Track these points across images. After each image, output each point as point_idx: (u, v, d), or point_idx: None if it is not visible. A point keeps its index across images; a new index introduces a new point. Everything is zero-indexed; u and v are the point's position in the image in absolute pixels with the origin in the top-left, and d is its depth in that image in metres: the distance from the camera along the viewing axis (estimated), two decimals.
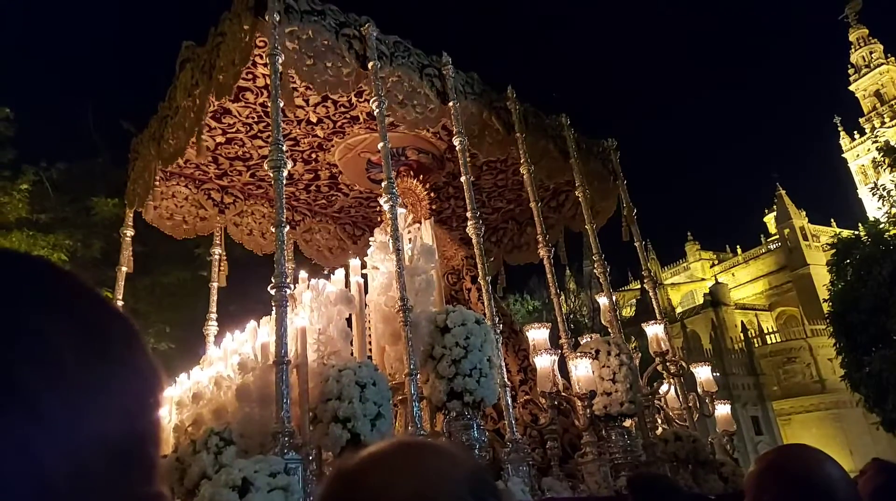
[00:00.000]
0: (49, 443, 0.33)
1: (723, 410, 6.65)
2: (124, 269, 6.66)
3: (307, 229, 8.53)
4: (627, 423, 5.64)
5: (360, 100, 6.23)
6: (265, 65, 5.29)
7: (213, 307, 7.21)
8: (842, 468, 1.52)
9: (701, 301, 49.29)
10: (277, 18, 4.82)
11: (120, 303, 6.25)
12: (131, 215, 6.92)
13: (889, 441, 25.53)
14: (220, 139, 6.75)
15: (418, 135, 6.90)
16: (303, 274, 5.10)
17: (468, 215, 5.68)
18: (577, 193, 7.10)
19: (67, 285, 0.41)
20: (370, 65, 5.38)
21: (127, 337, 0.42)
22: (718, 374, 30.75)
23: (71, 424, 0.34)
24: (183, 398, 4.66)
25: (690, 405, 6.57)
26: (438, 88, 6.05)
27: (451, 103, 5.97)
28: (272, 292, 3.87)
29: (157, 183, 6.94)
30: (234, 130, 6.63)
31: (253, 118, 6.46)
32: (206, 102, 5.45)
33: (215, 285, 7.36)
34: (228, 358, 4.74)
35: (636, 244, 7.84)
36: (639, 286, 43.29)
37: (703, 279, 56.38)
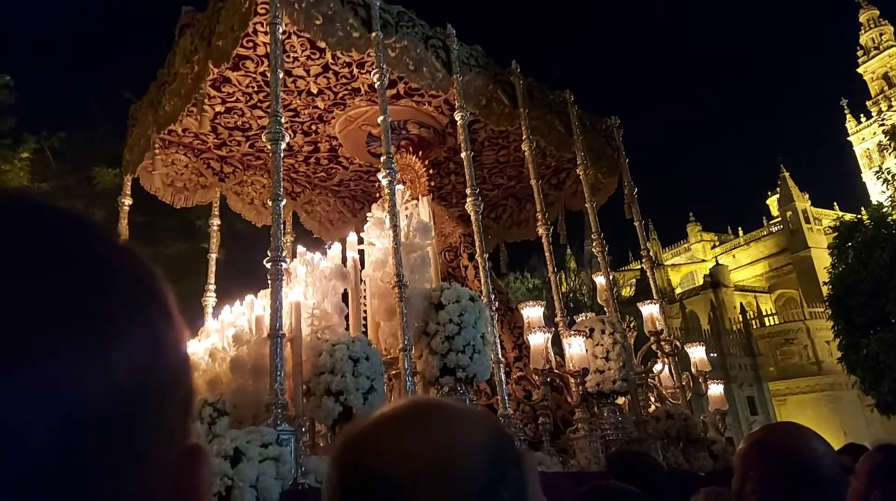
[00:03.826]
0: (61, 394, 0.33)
1: (716, 389, 6.70)
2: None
3: (307, 200, 8.50)
4: (620, 400, 5.70)
5: (362, 71, 6.16)
6: (266, 33, 5.21)
7: (212, 279, 7.21)
8: (828, 444, 1.53)
9: (701, 282, 49.39)
10: None
11: None
12: (129, 183, 6.88)
13: (882, 423, 25.79)
14: (219, 109, 6.68)
15: (419, 109, 6.84)
16: (301, 249, 5.10)
17: (468, 191, 5.65)
18: (578, 170, 7.06)
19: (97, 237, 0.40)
20: (373, 35, 5.31)
21: (161, 301, 0.42)
22: (716, 354, 30.93)
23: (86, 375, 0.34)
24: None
25: (684, 384, 6.62)
26: (443, 59, 5.99)
27: (455, 75, 5.91)
28: (267, 265, 3.87)
29: (156, 150, 6.91)
30: (233, 99, 6.56)
31: (253, 88, 6.39)
32: (204, 69, 5.39)
33: (213, 256, 7.36)
34: (225, 330, 4.76)
35: (636, 224, 7.83)
36: (639, 267, 43.29)
37: (703, 261, 56.38)
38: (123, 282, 0.39)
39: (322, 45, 5.54)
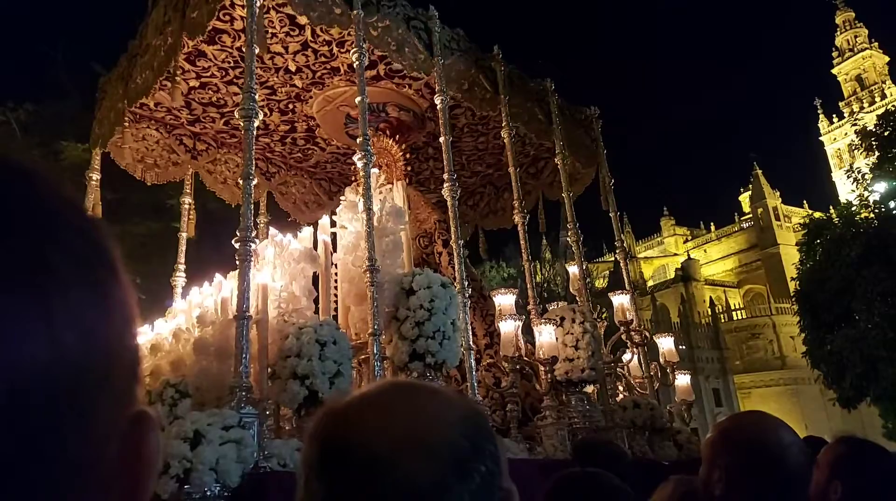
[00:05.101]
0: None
1: (683, 380, 6.80)
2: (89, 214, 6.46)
3: (282, 181, 8.37)
4: (589, 389, 5.75)
5: (342, 50, 6.04)
6: (243, 6, 5.07)
7: (182, 258, 7.08)
8: (795, 433, 1.56)
9: (672, 276, 50.12)
10: None
11: None
12: (98, 158, 6.69)
13: (843, 417, 26.56)
14: (193, 83, 6.51)
15: (400, 91, 6.75)
16: (272, 230, 5.01)
17: (445, 176, 5.61)
18: (556, 159, 7.06)
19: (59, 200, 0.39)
20: (353, 13, 5.20)
21: (109, 259, 0.40)
22: (684, 347, 31.50)
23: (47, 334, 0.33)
24: (142, 349, 4.58)
25: (652, 374, 6.71)
26: (425, 41, 5.90)
27: (436, 58, 5.84)
28: (236, 245, 3.79)
29: (126, 124, 6.73)
30: (208, 74, 6.40)
31: (229, 63, 6.23)
32: (178, 41, 5.23)
33: (184, 235, 7.22)
34: (192, 311, 4.68)
35: (611, 215, 7.87)
36: (612, 259, 43.76)
37: (675, 254, 57.19)
38: (70, 234, 0.37)
39: (303, 21, 5.43)
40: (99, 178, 6.62)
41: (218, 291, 4.58)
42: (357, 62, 5.13)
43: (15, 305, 0.32)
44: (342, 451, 0.64)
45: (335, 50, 6.09)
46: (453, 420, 0.67)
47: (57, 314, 0.33)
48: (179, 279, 6.91)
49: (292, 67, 6.36)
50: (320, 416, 0.69)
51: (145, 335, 5.01)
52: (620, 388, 6.41)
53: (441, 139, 5.80)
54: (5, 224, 0.34)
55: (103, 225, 0.40)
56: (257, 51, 4.62)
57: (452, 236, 5.36)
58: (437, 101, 5.83)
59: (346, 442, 0.65)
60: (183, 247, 7.15)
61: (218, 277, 4.88)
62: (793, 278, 25.65)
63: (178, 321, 4.66)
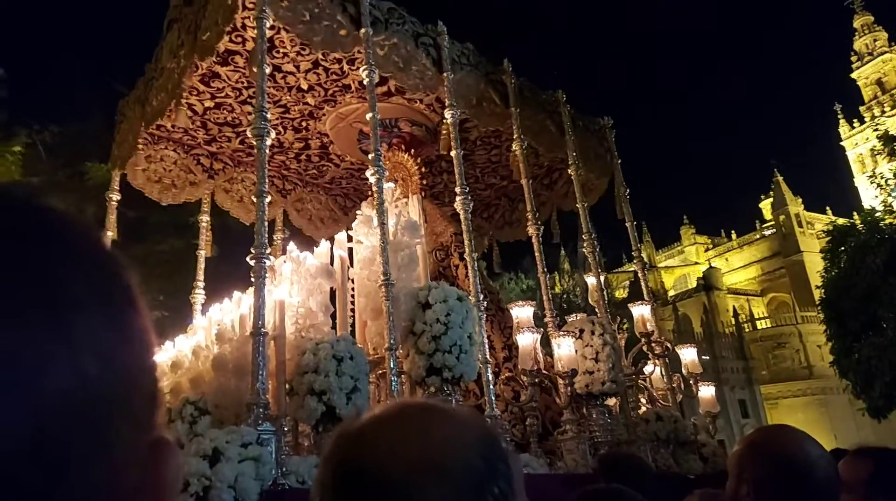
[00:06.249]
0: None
1: (707, 391, 6.67)
2: (110, 234, 6.57)
3: (298, 198, 8.45)
4: (611, 402, 5.66)
5: (353, 68, 6.10)
6: (255, 28, 5.15)
7: (201, 276, 7.18)
8: (822, 447, 1.53)
9: (694, 285, 49.51)
10: None
11: None
12: (118, 179, 6.81)
13: (873, 427, 25.88)
14: (208, 104, 6.62)
15: (411, 107, 6.79)
16: (290, 246, 5.04)
17: (457, 189, 5.61)
18: (570, 170, 7.03)
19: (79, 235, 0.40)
20: (362, 31, 5.25)
21: (127, 289, 0.41)
22: (708, 357, 31.04)
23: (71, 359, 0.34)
24: (162, 367, 4.62)
25: (675, 385, 6.60)
26: (434, 57, 5.93)
27: (445, 74, 5.86)
28: (251, 262, 3.82)
29: (144, 146, 6.85)
30: (223, 94, 6.50)
31: (242, 83, 6.33)
32: (189, 63, 5.33)
33: (203, 253, 7.31)
34: (211, 328, 4.71)
35: (628, 225, 7.80)
36: (632, 269, 43.36)
37: (696, 263, 56.56)
38: (88, 265, 0.38)
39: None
40: (119, 198, 6.75)
41: (237, 308, 4.61)
42: (367, 79, 5.17)
43: (37, 336, 0.33)
44: (356, 474, 0.64)
45: (346, 68, 6.16)
46: (467, 441, 0.67)
47: (79, 344, 0.34)
48: (199, 297, 6.99)
49: (304, 86, 6.44)
50: (334, 438, 0.70)
51: (166, 352, 5.05)
52: (643, 400, 6.31)
53: (452, 153, 5.80)
54: (26, 257, 0.35)
55: (121, 256, 0.41)
56: (269, 70, 4.68)
57: (466, 249, 5.35)
58: (448, 115, 5.84)
59: (359, 465, 0.65)
60: (202, 265, 7.25)
61: (237, 293, 4.91)
62: (818, 286, 25.27)
63: (198, 338, 4.69)
